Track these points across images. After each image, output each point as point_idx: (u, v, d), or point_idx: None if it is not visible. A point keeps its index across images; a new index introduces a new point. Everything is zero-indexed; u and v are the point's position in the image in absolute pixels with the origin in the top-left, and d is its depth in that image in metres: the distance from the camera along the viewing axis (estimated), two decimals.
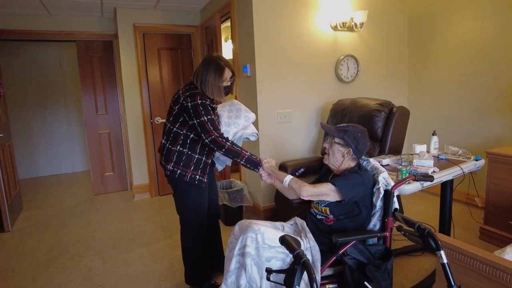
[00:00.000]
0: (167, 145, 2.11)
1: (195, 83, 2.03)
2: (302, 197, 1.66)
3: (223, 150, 1.94)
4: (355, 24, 3.58)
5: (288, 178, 1.76)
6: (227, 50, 4.73)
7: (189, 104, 1.95)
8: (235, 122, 2.22)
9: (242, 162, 1.95)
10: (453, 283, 1.08)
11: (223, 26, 4.05)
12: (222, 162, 2.35)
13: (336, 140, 1.76)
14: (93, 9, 4.26)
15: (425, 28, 3.91)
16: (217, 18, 3.80)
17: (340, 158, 1.76)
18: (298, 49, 3.43)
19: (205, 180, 2.13)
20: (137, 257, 2.85)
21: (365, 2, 3.70)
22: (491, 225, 2.76)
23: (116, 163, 4.90)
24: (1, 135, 3.63)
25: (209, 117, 1.94)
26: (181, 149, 2.06)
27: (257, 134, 2.35)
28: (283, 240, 1.10)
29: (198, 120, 1.94)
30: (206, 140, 1.94)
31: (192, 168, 2.07)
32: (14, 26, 4.21)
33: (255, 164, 1.96)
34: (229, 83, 2.10)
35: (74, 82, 6.10)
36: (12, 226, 3.63)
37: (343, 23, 3.52)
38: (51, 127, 6.19)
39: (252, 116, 2.30)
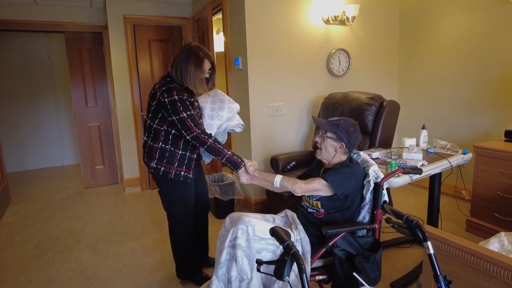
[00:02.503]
0: (149, 142, 2.05)
1: (174, 75, 1.96)
2: (295, 194, 1.67)
3: (205, 146, 1.90)
4: (347, 18, 3.59)
5: (279, 178, 1.75)
6: (218, 43, 4.70)
7: (166, 100, 1.88)
8: (218, 115, 2.15)
9: (223, 161, 1.92)
10: (439, 273, 1.11)
11: (214, 18, 4.01)
12: (209, 155, 2.27)
13: (329, 134, 1.76)
14: (82, 0, 4.18)
15: (415, 23, 3.93)
16: (209, 10, 3.76)
17: (332, 152, 1.77)
18: (290, 42, 3.43)
19: (191, 176, 2.08)
20: (128, 250, 2.84)
21: None
22: (477, 217, 2.82)
23: (106, 156, 4.86)
24: None
25: (188, 113, 1.88)
26: (163, 145, 2.01)
27: (242, 125, 2.29)
28: (273, 232, 1.11)
29: (177, 117, 1.88)
30: (188, 137, 1.90)
31: (176, 164, 2.01)
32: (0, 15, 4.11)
33: (235, 165, 1.91)
34: (207, 75, 2.02)
35: (63, 74, 6.00)
36: (0, 219, 3.58)
37: (335, 17, 3.52)
38: (39, 120, 6.09)
39: (236, 106, 2.23)
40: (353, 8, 3.52)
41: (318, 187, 1.65)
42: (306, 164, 3.20)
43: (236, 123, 2.26)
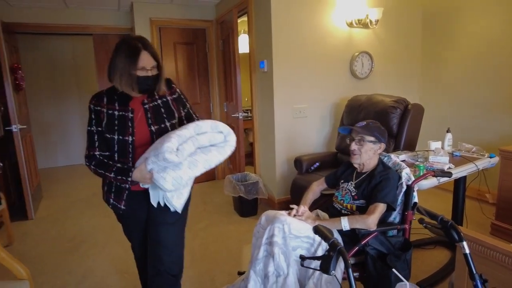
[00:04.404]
0: None
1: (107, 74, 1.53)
2: (371, 230, 1.64)
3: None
4: (370, 21, 3.63)
5: (345, 222, 1.67)
6: (242, 44, 4.78)
7: None
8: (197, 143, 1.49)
9: (112, 176, 1.51)
10: (474, 272, 1.16)
11: (239, 21, 4.11)
12: (154, 193, 1.58)
13: (368, 138, 1.81)
14: (110, 3, 4.34)
15: (439, 25, 3.94)
16: (234, 13, 3.86)
17: (371, 155, 1.83)
18: (314, 45, 3.49)
19: (122, 207, 1.61)
20: None
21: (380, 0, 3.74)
22: (503, 221, 2.83)
23: None
24: (24, 126, 3.73)
25: (88, 128, 1.55)
26: None
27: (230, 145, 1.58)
28: (317, 230, 1.19)
29: None
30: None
31: (106, 188, 1.64)
32: (31, 19, 4.29)
33: (125, 172, 1.50)
34: (149, 73, 1.49)
35: (88, 74, 6.21)
36: (35, 214, 3.75)
37: (358, 20, 3.57)
38: (64, 118, 6.32)
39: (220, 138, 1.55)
40: (376, 11, 3.56)
41: (382, 211, 1.70)
42: (330, 165, 3.27)
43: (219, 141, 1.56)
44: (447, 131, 2.75)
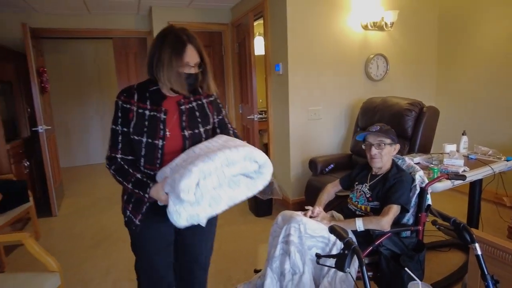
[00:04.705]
0: None
1: (147, 69, 1.36)
2: (385, 230, 1.69)
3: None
4: (386, 24, 3.64)
5: (360, 223, 1.72)
6: (257, 46, 4.84)
7: None
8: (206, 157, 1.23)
9: (130, 187, 1.35)
10: (486, 273, 1.20)
11: (254, 24, 4.18)
12: (177, 212, 1.22)
13: (387, 141, 1.87)
14: (130, 8, 4.48)
15: (454, 28, 3.92)
16: (250, 16, 3.93)
17: (390, 157, 1.90)
18: (329, 48, 3.53)
19: (136, 222, 1.41)
20: None
21: (396, 2, 3.74)
22: None
23: None
24: (49, 127, 3.91)
25: (112, 126, 1.37)
26: None
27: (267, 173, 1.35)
28: (333, 229, 1.25)
29: None
30: None
31: (125, 197, 1.46)
32: (56, 24, 4.48)
33: (143, 185, 1.33)
34: (192, 71, 1.32)
35: (107, 76, 6.40)
36: (58, 211, 3.92)
37: (373, 23, 3.59)
38: (85, 119, 6.53)
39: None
40: (392, 14, 3.57)
41: (397, 212, 1.75)
42: (344, 166, 3.30)
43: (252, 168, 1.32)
44: (463, 134, 2.76)
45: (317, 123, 3.61)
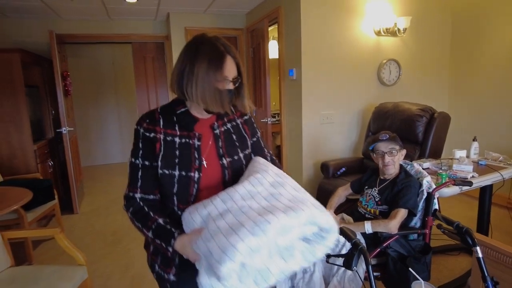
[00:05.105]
0: None
1: (172, 84, 1.13)
2: (392, 233, 1.78)
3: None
4: (398, 30, 3.70)
5: (369, 226, 1.80)
6: (271, 50, 4.94)
7: None
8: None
9: (150, 236, 1.09)
10: (486, 274, 1.28)
11: (269, 29, 4.29)
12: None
13: (397, 147, 1.96)
14: (149, 14, 4.65)
15: (467, 34, 3.94)
16: (266, 22, 4.04)
17: (399, 162, 1.99)
18: (342, 53, 3.61)
19: (171, 277, 1.13)
20: None
21: (409, 8, 3.79)
22: None
23: None
24: (72, 128, 4.10)
25: (131, 159, 1.16)
26: None
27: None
28: (342, 231, 1.34)
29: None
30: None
31: (152, 248, 1.21)
32: (79, 30, 4.69)
33: (167, 235, 1.05)
34: (230, 87, 1.10)
35: (125, 79, 6.61)
36: (79, 209, 4.11)
37: (386, 29, 3.65)
38: (104, 120, 6.77)
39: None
40: (404, 20, 3.62)
41: (404, 215, 1.83)
42: (356, 170, 3.37)
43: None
44: (474, 140, 2.80)
45: (329, 127, 3.69)
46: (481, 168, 2.47)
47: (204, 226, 0.97)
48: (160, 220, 1.08)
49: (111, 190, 4.99)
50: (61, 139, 3.94)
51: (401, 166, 2.02)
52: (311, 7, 3.41)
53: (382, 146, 1.97)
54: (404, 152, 2.00)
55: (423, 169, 2.27)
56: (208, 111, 1.12)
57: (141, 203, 1.14)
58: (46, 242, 3.23)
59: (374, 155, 2.02)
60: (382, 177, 2.02)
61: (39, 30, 4.45)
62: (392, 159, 1.96)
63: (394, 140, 1.95)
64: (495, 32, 3.66)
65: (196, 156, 1.14)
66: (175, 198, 1.13)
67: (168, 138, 1.13)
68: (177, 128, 1.15)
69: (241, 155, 1.21)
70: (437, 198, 1.94)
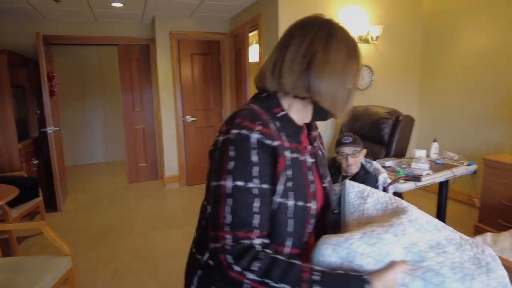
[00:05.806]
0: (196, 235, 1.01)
1: (263, 79, 0.89)
2: None
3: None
4: (371, 37, 3.94)
5: None
6: (254, 54, 5.13)
7: (219, 140, 0.81)
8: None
9: None
10: None
11: (251, 34, 4.48)
12: None
13: (358, 149, 2.16)
14: (135, 17, 4.78)
15: (436, 40, 4.23)
16: (246, 30, 4.24)
17: (360, 161, 2.20)
18: None
19: None
20: (173, 237, 3.35)
21: (382, 17, 4.05)
22: (484, 223, 3.11)
23: (148, 155, 5.45)
24: (57, 128, 4.20)
25: (237, 183, 0.75)
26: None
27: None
28: None
29: (214, 184, 0.78)
30: (207, 253, 0.90)
31: None
32: (66, 32, 4.77)
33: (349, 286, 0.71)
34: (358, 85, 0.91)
35: (110, 80, 6.69)
36: (63, 207, 4.21)
37: (359, 37, 3.89)
38: (89, 120, 6.83)
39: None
40: (377, 28, 3.87)
41: None
42: (330, 169, 3.58)
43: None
44: (434, 141, 3.06)
45: None
46: (437, 167, 2.71)
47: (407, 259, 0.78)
48: (315, 267, 0.73)
49: (95, 188, 5.09)
50: (46, 138, 4.04)
51: (362, 164, 2.23)
52: (289, 15, 3.62)
53: (346, 149, 2.18)
54: (364, 151, 2.21)
55: (386, 167, 2.52)
56: (315, 118, 0.87)
57: (264, 251, 0.73)
58: (30, 238, 3.33)
59: (339, 156, 2.24)
60: (344, 174, 2.23)
61: (25, 32, 4.52)
62: (355, 159, 2.17)
63: (356, 142, 2.16)
64: (463, 40, 3.95)
65: (311, 179, 0.86)
66: (290, 242, 0.80)
67: (294, 155, 0.83)
68: (284, 137, 0.83)
69: (329, 177, 0.97)
70: (399, 194, 2.17)
